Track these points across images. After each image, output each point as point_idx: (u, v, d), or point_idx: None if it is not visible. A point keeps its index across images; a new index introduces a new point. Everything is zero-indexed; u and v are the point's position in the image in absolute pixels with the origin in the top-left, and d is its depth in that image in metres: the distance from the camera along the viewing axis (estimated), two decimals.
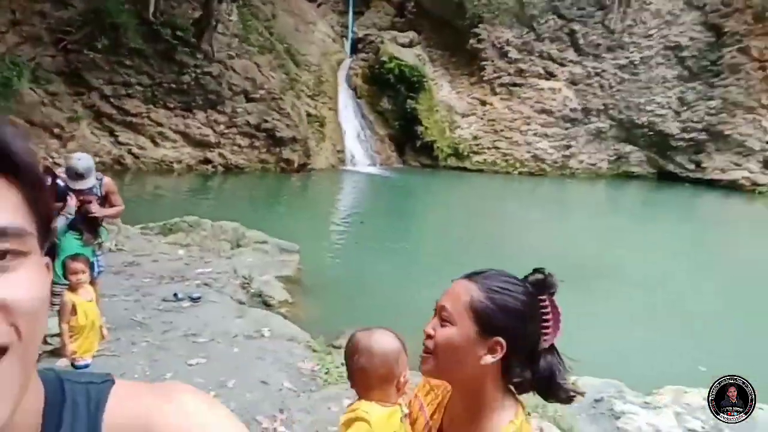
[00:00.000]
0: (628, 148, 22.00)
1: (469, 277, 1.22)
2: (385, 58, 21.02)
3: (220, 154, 17.26)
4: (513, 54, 21.36)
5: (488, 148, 21.31)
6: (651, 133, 21.45)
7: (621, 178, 21.60)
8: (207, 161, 17.09)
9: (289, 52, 19.74)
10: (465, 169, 20.91)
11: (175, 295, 5.86)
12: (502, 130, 21.30)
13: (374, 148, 20.99)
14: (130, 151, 15.98)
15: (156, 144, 16.38)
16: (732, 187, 19.90)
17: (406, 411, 1.46)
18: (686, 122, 21.01)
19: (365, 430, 1.49)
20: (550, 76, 21.53)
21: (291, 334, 5.53)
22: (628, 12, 21.13)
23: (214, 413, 0.62)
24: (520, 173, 21.17)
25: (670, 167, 21.54)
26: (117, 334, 4.62)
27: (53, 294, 3.13)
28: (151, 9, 14.86)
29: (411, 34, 22.45)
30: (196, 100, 16.90)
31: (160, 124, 16.39)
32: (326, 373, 4.37)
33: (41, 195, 0.56)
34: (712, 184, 20.18)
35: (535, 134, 21.32)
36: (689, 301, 8.25)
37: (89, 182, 4.23)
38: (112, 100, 15.67)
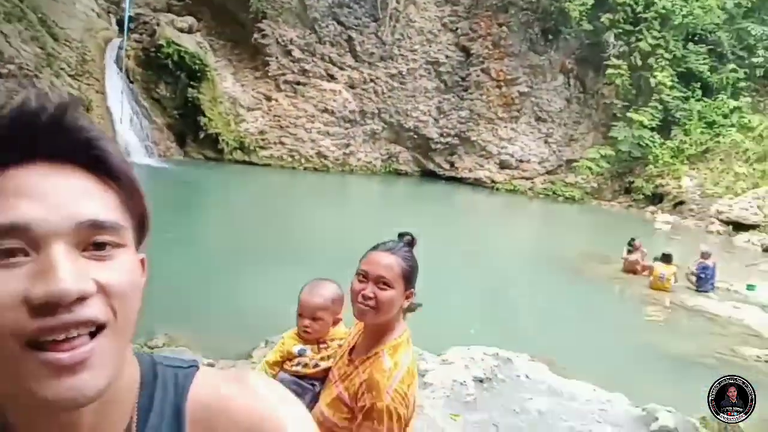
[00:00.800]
0: (398, 148, 24.69)
1: (389, 250, 1.72)
2: (162, 42, 19.63)
3: None
4: (297, 53, 22.00)
5: (274, 143, 21.64)
6: (416, 136, 24.40)
7: (392, 175, 24.20)
8: None
9: (44, 23, 17.09)
10: (251, 163, 20.87)
11: None
12: (287, 126, 21.82)
13: (151, 138, 19.52)
14: None
15: None
16: (478, 183, 23.98)
17: (329, 351, 1.95)
18: (443, 128, 24.45)
19: (279, 344, 2.01)
20: (331, 78, 22.78)
21: None
22: (397, 27, 23.53)
23: (282, 396, 0.70)
24: (305, 168, 22.01)
25: (431, 166, 24.86)
26: None
27: None
28: None
29: (190, 20, 21.31)
30: None
31: None
32: None
33: (135, 196, 0.63)
34: (462, 181, 24.00)
35: (318, 132, 22.37)
36: (452, 276, 9.92)
37: None
38: None
